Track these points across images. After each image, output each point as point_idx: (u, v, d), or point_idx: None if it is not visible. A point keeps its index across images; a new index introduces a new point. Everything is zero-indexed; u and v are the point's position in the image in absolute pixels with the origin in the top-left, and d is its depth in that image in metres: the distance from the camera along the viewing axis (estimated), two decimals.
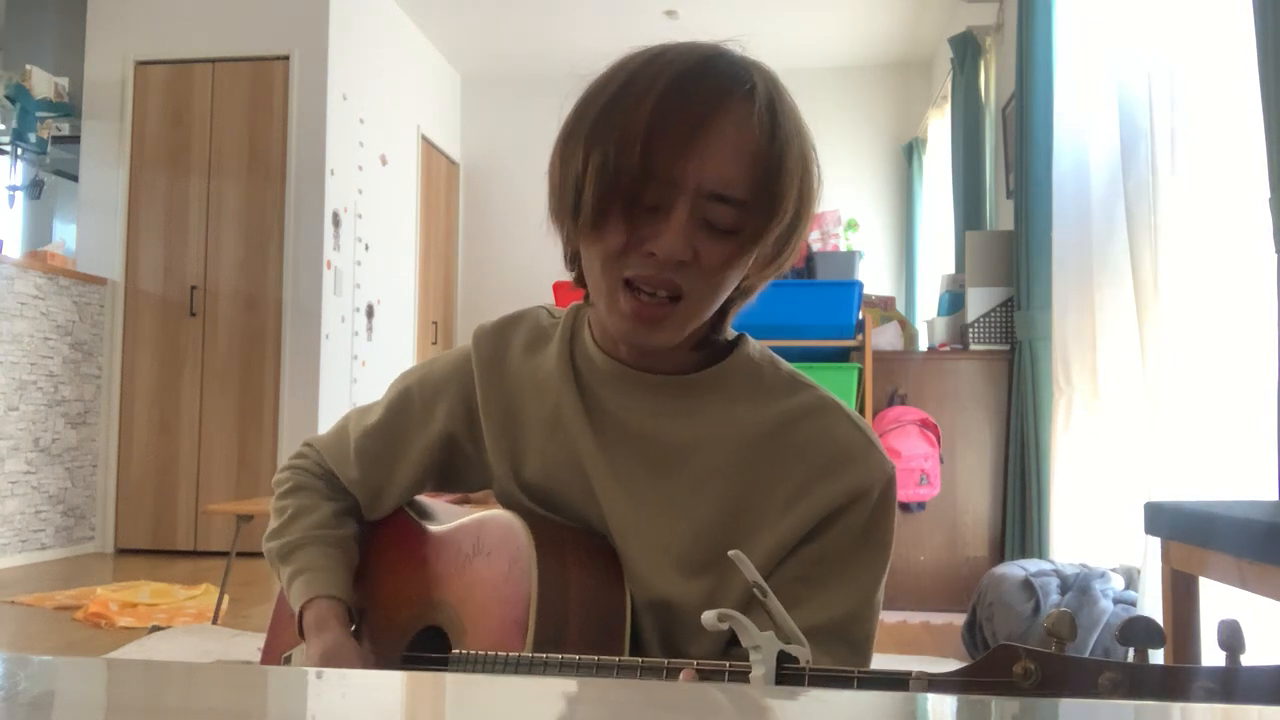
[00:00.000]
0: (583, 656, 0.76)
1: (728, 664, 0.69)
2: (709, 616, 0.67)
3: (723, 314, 0.90)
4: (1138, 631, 0.53)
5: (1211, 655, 2.12)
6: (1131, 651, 0.55)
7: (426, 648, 0.92)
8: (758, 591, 0.70)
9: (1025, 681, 0.56)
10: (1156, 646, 0.53)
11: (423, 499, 1.09)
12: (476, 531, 0.92)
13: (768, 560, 0.86)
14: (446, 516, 1.02)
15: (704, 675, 0.69)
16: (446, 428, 0.99)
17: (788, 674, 0.66)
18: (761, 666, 0.65)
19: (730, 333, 0.95)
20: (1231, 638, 0.51)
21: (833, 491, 0.86)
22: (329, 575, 0.98)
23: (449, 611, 0.91)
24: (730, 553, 0.70)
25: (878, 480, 0.87)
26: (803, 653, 0.68)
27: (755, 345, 0.95)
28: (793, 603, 0.83)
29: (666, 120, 0.78)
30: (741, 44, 0.85)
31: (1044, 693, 0.56)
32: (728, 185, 0.78)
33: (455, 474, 1.02)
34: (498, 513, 0.91)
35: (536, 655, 0.79)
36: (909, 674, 0.61)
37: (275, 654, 1.06)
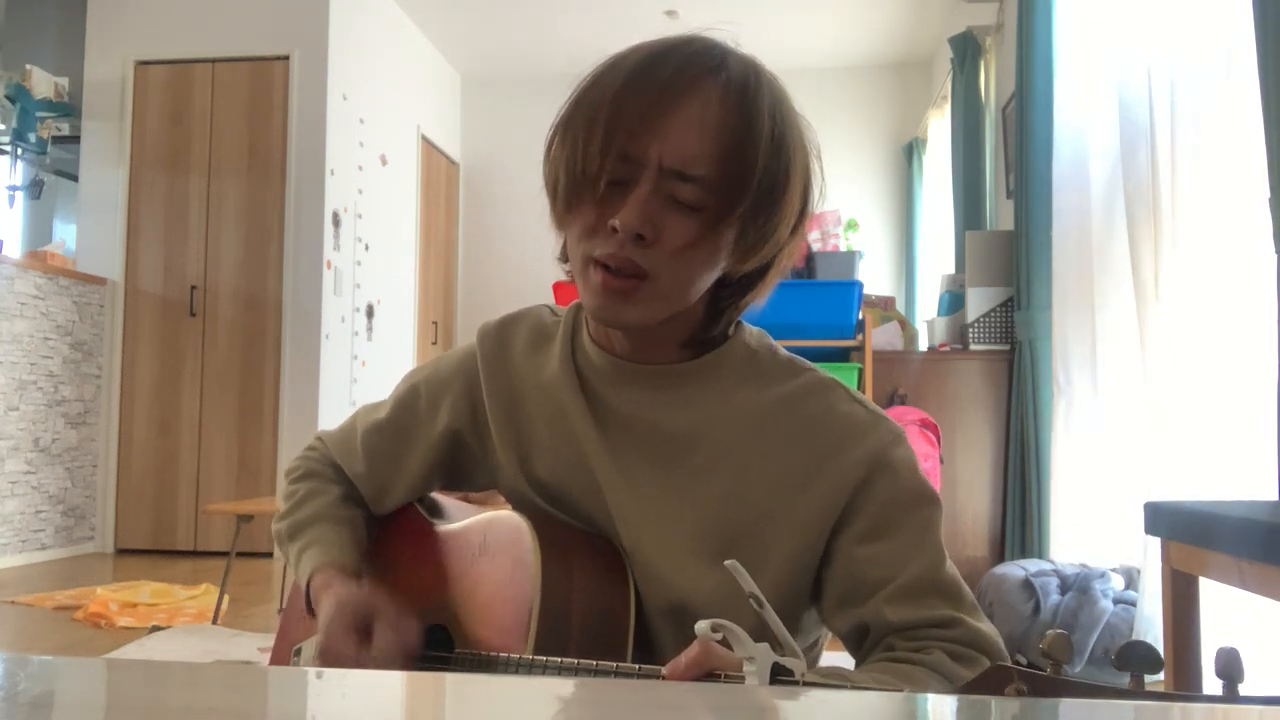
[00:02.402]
0: (581, 661, 0.76)
1: (723, 675, 0.68)
2: (702, 626, 0.67)
3: (717, 312, 0.89)
4: (1135, 657, 0.53)
5: (1211, 654, 2.11)
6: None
7: (432, 647, 0.92)
8: (754, 602, 0.69)
9: None
10: (1154, 672, 0.53)
11: (436, 497, 1.09)
12: (483, 532, 0.92)
13: (796, 546, 0.85)
14: (456, 515, 1.02)
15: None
16: (451, 424, 0.99)
17: (782, 686, 0.65)
18: (755, 678, 0.65)
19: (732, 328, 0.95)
20: (1230, 666, 0.50)
21: (848, 465, 0.85)
22: (338, 548, 0.98)
23: (454, 611, 0.91)
24: (727, 563, 0.70)
25: (891, 443, 0.87)
26: (798, 665, 0.67)
27: (752, 331, 0.94)
28: (875, 584, 0.83)
29: (630, 99, 0.79)
30: (736, 38, 0.85)
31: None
32: (689, 161, 0.79)
33: (461, 471, 1.02)
34: (504, 514, 0.92)
35: (535, 659, 0.79)
36: (901, 690, 0.60)
37: (286, 646, 1.06)
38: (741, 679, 0.66)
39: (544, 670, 0.78)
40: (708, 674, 0.68)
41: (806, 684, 0.65)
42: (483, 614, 0.88)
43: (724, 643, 0.67)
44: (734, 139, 0.79)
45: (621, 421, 0.91)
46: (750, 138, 0.79)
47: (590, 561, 0.88)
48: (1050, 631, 0.56)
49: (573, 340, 0.96)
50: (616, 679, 0.74)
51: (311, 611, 0.95)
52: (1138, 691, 0.52)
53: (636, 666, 0.74)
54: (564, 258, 0.89)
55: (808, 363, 0.93)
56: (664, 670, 0.69)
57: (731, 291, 0.88)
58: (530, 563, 0.84)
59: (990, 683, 0.55)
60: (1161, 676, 1.92)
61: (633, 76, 0.80)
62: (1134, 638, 2.55)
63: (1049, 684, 0.54)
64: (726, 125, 0.79)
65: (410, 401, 1.02)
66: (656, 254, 0.80)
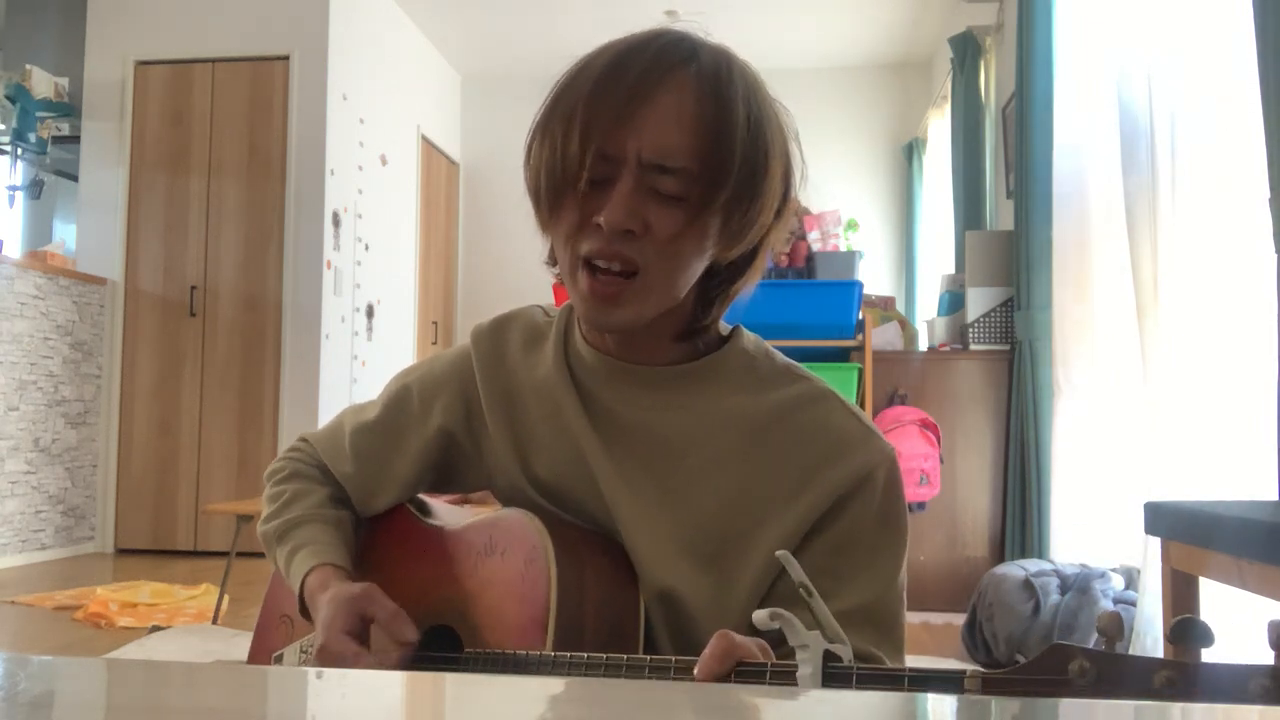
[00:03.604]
0: (611, 656, 0.76)
1: (769, 664, 0.68)
2: (761, 616, 0.66)
3: (707, 302, 0.89)
4: (1189, 631, 0.53)
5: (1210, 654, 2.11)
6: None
7: (435, 646, 0.92)
8: (804, 592, 0.69)
9: (1081, 680, 0.56)
10: (1209, 645, 0.53)
11: (428, 500, 1.08)
12: (489, 530, 0.92)
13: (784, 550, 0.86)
14: (453, 517, 1.02)
15: (746, 675, 0.67)
16: (444, 424, 0.99)
17: (834, 673, 0.65)
18: (809, 665, 0.65)
19: (724, 326, 0.95)
20: None
21: (836, 478, 0.86)
22: (330, 548, 0.97)
23: (461, 610, 0.91)
24: (778, 553, 0.71)
25: (880, 463, 0.87)
26: (845, 651, 0.67)
27: (750, 337, 0.95)
28: (820, 595, 0.83)
29: (604, 97, 0.80)
30: (706, 29, 0.85)
31: (1100, 691, 0.55)
32: (668, 154, 0.79)
33: (453, 472, 1.02)
34: (511, 511, 0.91)
35: (558, 655, 0.79)
36: (963, 673, 0.60)
37: (263, 657, 1.04)
38: (794, 667, 0.66)
39: (568, 666, 0.77)
40: (736, 665, 0.68)
41: (859, 670, 0.65)
42: (495, 612, 0.87)
43: (778, 632, 0.67)
44: (711, 128, 0.80)
45: (616, 421, 0.91)
46: (727, 125, 0.80)
47: (599, 558, 0.88)
48: (1104, 611, 0.57)
49: (565, 339, 0.96)
50: (627, 677, 0.74)
51: (305, 614, 0.94)
52: (1192, 663, 0.53)
53: (672, 660, 0.74)
54: (552, 261, 0.89)
55: (805, 370, 0.94)
56: (695, 671, 0.69)
57: (720, 280, 0.89)
58: (543, 559, 0.84)
59: (1052, 660, 0.56)
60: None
61: (605, 74, 0.81)
62: (1134, 638, 2.55)
63: (1111, 660, 0.55)
64: (702, 115, 0.80)
65: (402, 401, 1.01)
66: (645, 246, 0.81)
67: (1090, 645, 0.57)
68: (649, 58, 0.81)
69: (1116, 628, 0.56)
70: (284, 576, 0.99)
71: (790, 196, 0.87)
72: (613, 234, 0.80)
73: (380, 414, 1.02)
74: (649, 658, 0.75)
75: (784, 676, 0.66)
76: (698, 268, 0.85)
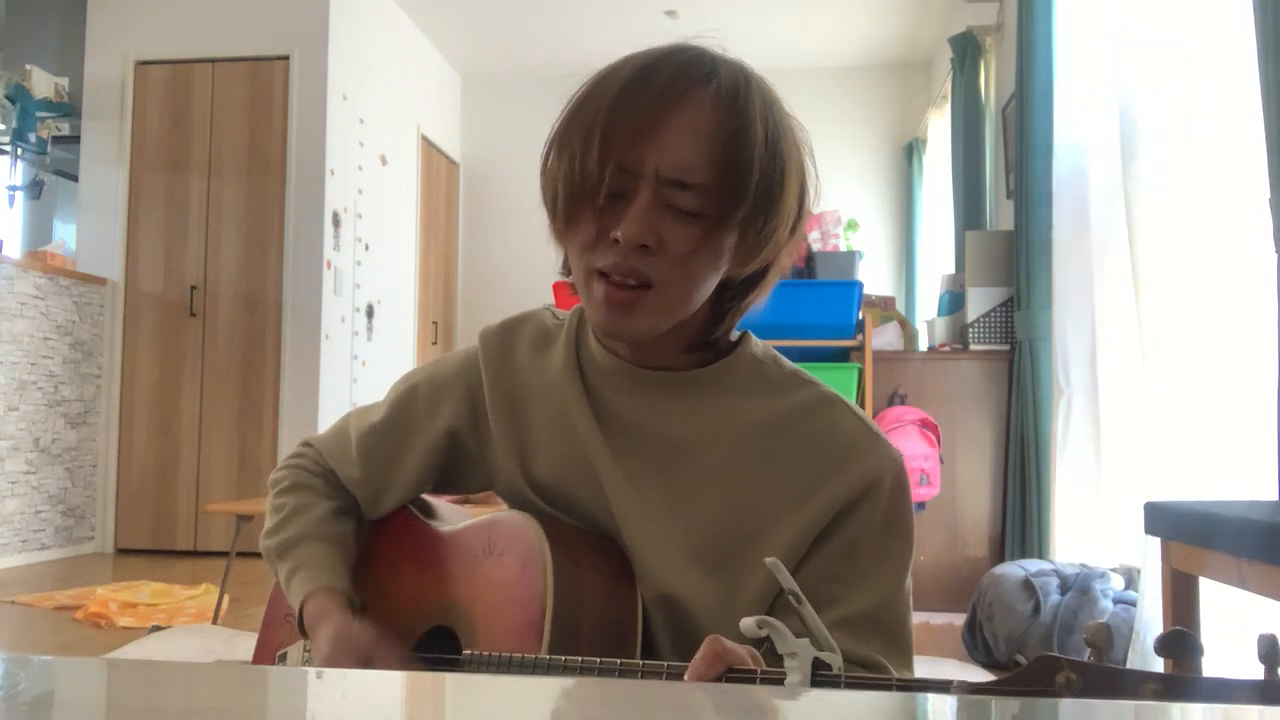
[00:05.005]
0: (604, 661, 0.76)
1: (758, 671, 0.68)
2: (749, 624, 0.67)
3: (719, 315, 0.90)
4: (1176, 643, 0.53)
5: (1210, 655, 2.12)
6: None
7: (435, 648, 0.92)
8: (793, 599, 0.69)
9: (1069, 691, 0.55)
10: (1197, 658, 0.53)
11: (428, 500, 1.08)
12: (488, 532, 0.92)
13: (787, 558, 0.86)
14: (453, 517, 1.02)
15: (735, 682, 0.67)
16: (451, 425, 0.99)
17: (823, 681, 0.65)
18: (797, 673, 0.65)
19: (733, 332, 0.95)
20: (1272, 651, 0.51)
21: (844, 484, 0.86)
22: (328, 570, 0.97)
23: (459, 612, 0.91)
24: (767, 560, 0.71)
25: (888, 468, 0.88)
26: (835, 659, 0.67)
27: (758, 343, 0.95)
28: (826, 600, 0.83)
29: (624, 111, 0.80)
30: (722, 43, 0.86)
31: None
32: (686, 170, 0.80)
33: (457, 473, 1.02)
34: (509, 513, 0.91)
35: (554, 658, 0.79)
36: (949, 683, 0.60)
37: (268, 653, 1.05)
38: (782, 674, 0.66)
39: (561, 670, 0.77)
40: (726, 671, 0.68)
41: (847, 679, 0.65)
42: (493, 613, 0.87)
43: (767, 639, 0.67)
44: (729, 145, 0.80)
45: (625, 424, 0.92)
46: (745, 143, 0.80)
47: (597, 560, 0.88)
48: (1092, 622, 0.57)
49: (577, 342, 0.96)
50: (620, 678, 0.74)
51: (303, 632, 0.95)
52: (1181, 677, 0.53)
53: (665, 665, 0.74)
54: (566, 271, 0.90)
55: (811, 376, 0.94)
56: (685, 676, 0.69)
57: (733, 294, 0.89)
58: (540, 561, 0.84)
59: (1039, 671, 0.56)
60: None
61: (626, 89, 0.81)
62: (1134, 638, 2.55)
63: (1097, 671, 0.55)
64: (721, 132, 0.80)
65: (408, 402, 1.01)
66: (661, 261, 0.81)
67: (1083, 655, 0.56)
68: (670, 73, 0.82)
69: (1105, 639, 0.56)
70: (284, 592, 0.99)
71: (805, 212, 0.88)
72: (629, 249, 0.80)
73: (386, 415, 1.02)
74: (641, 662, 0.75)
75: (773, 684, 0.66)
76: (712, 282, 0.85)
